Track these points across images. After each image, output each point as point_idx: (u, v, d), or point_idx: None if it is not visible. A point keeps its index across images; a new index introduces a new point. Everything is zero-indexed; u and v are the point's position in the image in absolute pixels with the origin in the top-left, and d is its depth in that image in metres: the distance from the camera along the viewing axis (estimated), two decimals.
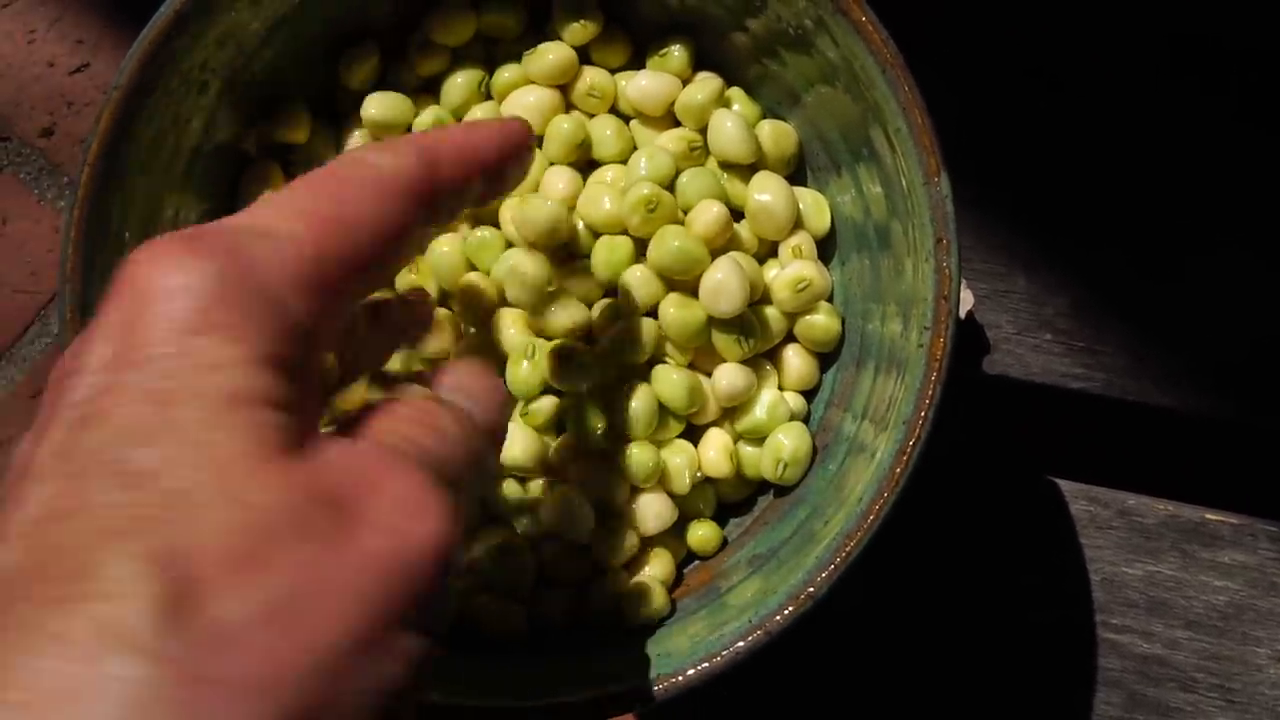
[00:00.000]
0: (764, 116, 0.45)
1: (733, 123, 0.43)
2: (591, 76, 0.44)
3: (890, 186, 0.40)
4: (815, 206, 0.44)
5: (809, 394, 0.45)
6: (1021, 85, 0.53)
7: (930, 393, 0.38)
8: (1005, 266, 0.52)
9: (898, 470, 0.38)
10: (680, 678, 0.38)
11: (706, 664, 0.38)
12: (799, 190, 0.44)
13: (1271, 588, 0.51)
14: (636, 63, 0.45)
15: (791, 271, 0.42)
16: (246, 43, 0.41)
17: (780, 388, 0.44)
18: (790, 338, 0.44)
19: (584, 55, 0.45)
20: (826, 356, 0.44)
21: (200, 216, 0.42)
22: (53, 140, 0.58)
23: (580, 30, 0.44)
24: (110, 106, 0.39)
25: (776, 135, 0.44)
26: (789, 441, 0.42)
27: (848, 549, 0.37)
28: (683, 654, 0.38)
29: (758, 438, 0.43)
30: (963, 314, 0.50)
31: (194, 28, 0.39)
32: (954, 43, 0.53)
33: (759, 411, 0.43)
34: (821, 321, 0.43)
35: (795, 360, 0.44)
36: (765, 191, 0.43)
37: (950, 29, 0.53)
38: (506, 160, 0.33)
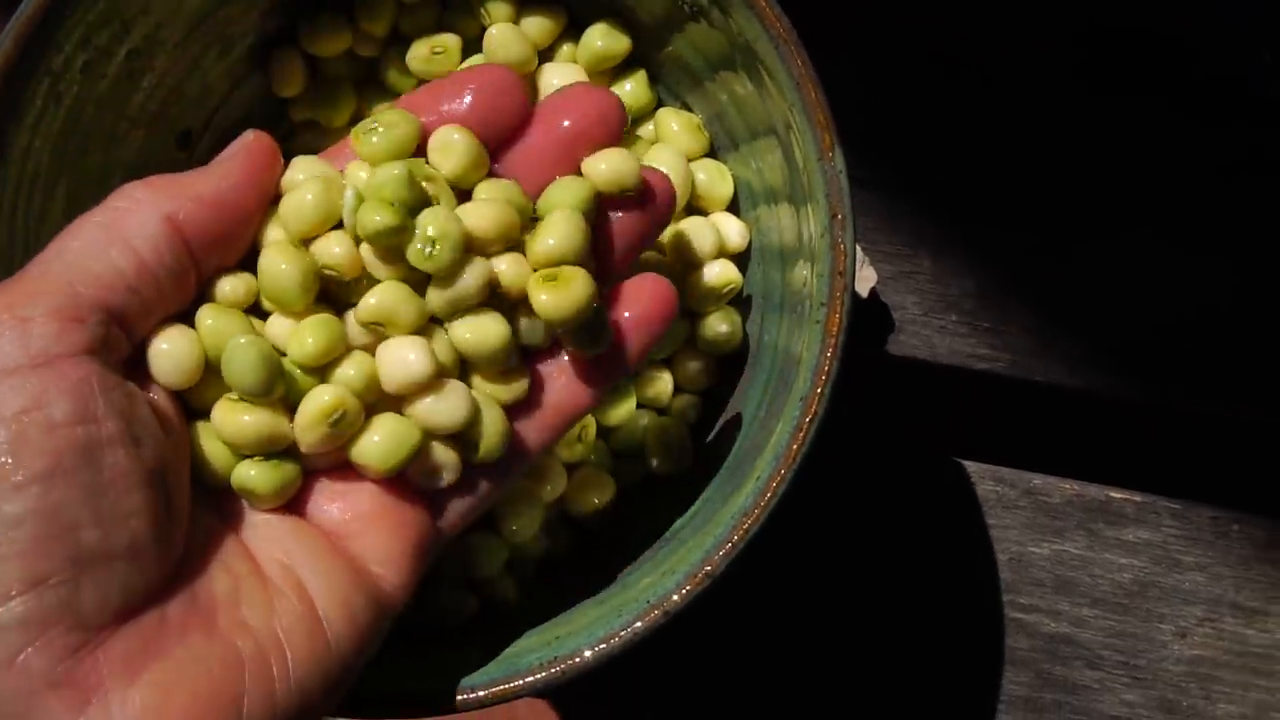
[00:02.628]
0: (664, 101, 0.45)
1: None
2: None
3: (789, 165, 0.40)
4: (717, 174, 0.44)
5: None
6: (926, 70, 0.53)
7: (826, 369, 0.37)
8: (911, 248, 0.52)
9: (794, 447, 0.37)
10: (578, 659, 0.37)
11: (604, 645, 0.37)
12: (698, 162, 0.44)
13: (1174, 564, 0.52)
14: None
15: (718, 273, 0.42)
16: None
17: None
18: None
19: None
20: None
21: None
22: None
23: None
24: None
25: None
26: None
27: (745, 526, 0.37)
28: (580, 636, 0.38)
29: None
30: (865, 292, 0.50)
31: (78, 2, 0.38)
32: (858, 28, 0.53)
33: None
34: (725, 331, 0.43)
35: (693, 365, 0.44)
36: (662, 165, 0.43)
37: (854, 15, 0.53)
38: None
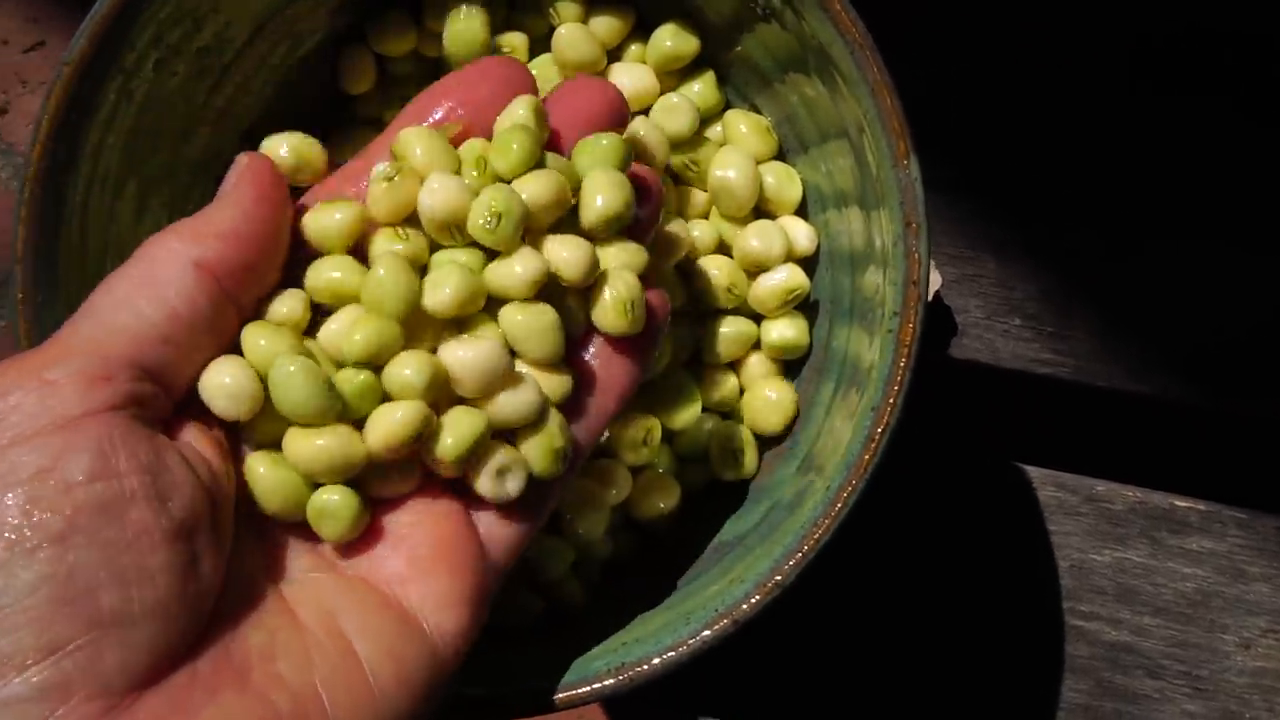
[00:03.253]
0: (732, 103, 0.45)
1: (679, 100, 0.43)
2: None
3: (860, 170, 0.40)
4: (785, 178, 0.43)
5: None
6: (992, 69, 0.53)
7: (899, 379, 0.37)
8: (975, 251, 0.52)
9: (866, 457, 0.37)
10: (646, 667, 0.37)
11: (673, 653, 0.37)
12: (766, 165, 0.43)
13: (1239, 574, 0.51)
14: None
15: (785, 277, 0.42)
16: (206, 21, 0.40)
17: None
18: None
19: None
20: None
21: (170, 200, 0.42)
22: (6, 119, 0.57)
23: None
24: (61, 82, 0.37)
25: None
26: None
27: (815, 536, 0.37)
28: (648, 643, 0.38)
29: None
30: (930, 296, 0.50)
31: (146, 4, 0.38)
32: (923, 25, 0.53)
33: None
34: (792, 336, 0.43)
35: (759, 370, 0.44)
36: (729, 168, 0.42)
37: (920, 12, 0.53)
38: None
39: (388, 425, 0.32)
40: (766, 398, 0.43)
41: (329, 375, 0.33)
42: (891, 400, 0.37)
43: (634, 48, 0.44)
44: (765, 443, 0.44)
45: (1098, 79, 0.53)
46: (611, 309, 0.35)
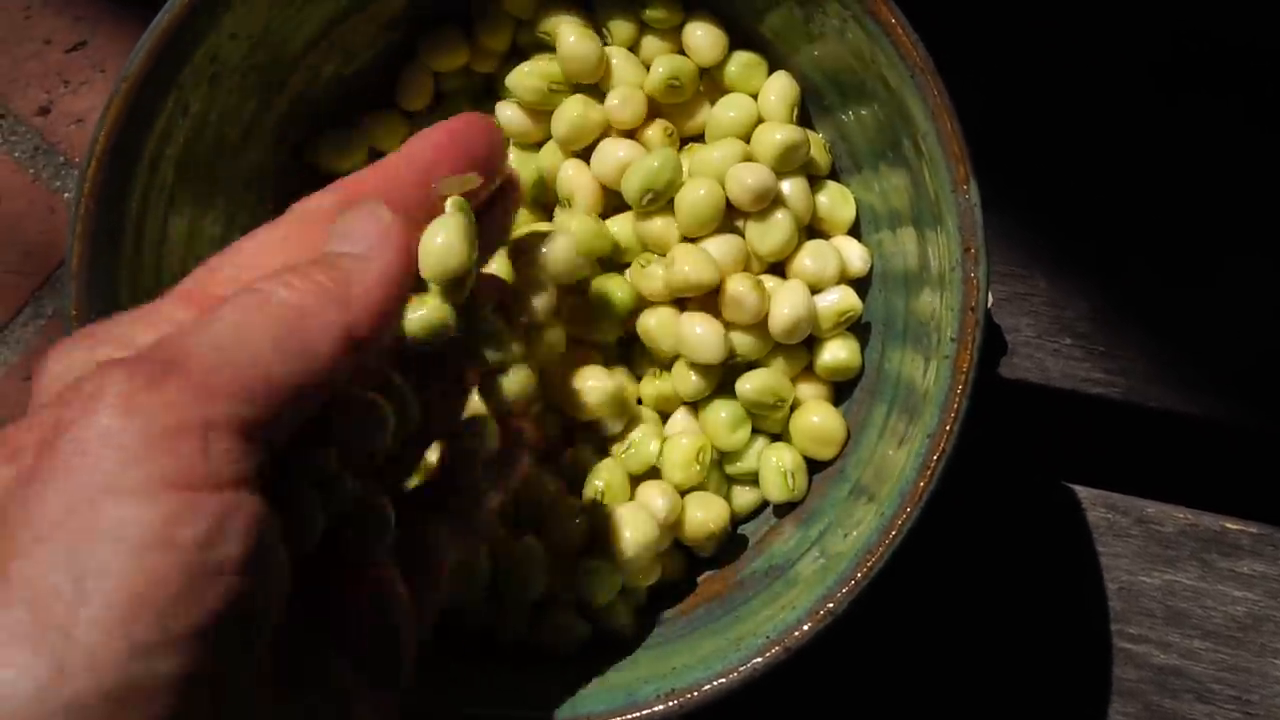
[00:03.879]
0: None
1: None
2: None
3: (917, 192, 0.39)
4: (839, 197, 0.43)
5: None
6: (1047, 85, 0.52)
7: (955, 406, 0.37)
8: (1026, 269, 0.51)
9: (921, 484, 0.37)
10: (696, 693, 0.37)
11: (723, 680, 0.37)
12: (819, 184, 0.43)
13: None
14: None
15: (838, 298, 0.42)
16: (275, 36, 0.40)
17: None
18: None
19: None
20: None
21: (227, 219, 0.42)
22: (49, 119, 0.56)
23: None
24: (120, 97, 0.37)
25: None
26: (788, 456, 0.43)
27: (869, 564, 0.37)
28: (698, 669, 0.38)
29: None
30: None
31: (207, 16, 0.38)
32: (979, 40, 0.52)
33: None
34: (844, 357, 0.43)
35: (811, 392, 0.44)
36: (782, 184, 0.42)
37: (976, 27, 0.52)
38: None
39: None
40: (815, 423, 0.43)
41: None
42: (948, 428, 0.37)
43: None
44: (815, 465, 0.43)
45: (1154, 96, 0.52)
46: None
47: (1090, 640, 0.51)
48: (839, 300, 0.42)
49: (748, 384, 0.42)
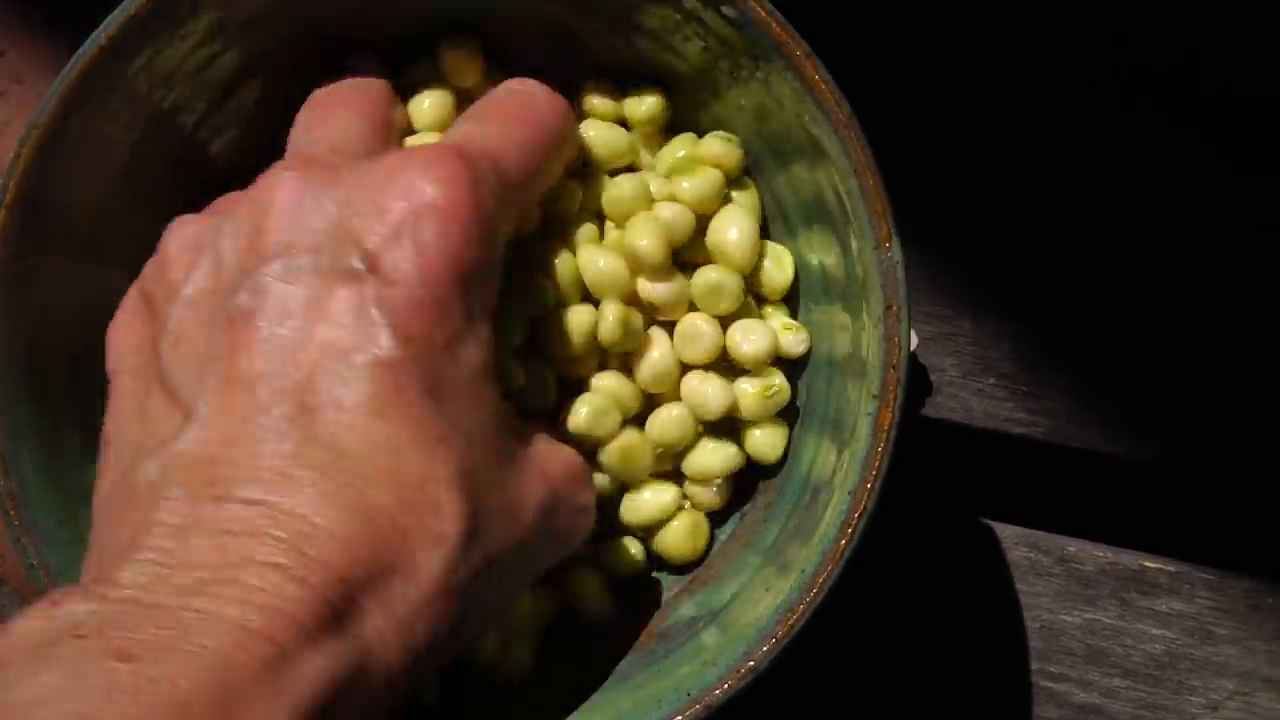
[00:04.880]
0: None
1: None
2: None
3: (841, 248, 0.39)
4: (777, 260, 0.42)
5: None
6: (968, 126, 0.52)
7: (877, 464, 0.37)
8: (952, 309, 0.52)
9: (842, 543, 0.37)
10: None
11: None
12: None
13: (1207, 636, 0.51)
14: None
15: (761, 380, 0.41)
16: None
17: None
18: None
19: None
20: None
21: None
22: None
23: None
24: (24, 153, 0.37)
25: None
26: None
27: (790, 622, 0.37)
28: None
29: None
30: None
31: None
32: (894, 73, 0.52)
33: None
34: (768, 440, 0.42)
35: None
36: (733, 227, 0.41)
37: (890, 60, 0.52)
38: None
39: None
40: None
41: None
42: (869, 485, 0.37)
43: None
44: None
45: (1078, 133, 0.52)
46: None
47: (1011, 679, 0.51)
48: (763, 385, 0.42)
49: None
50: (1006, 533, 0.52)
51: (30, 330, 0.38)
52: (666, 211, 0.40)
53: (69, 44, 0.37)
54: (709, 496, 0.42)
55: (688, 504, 0.42)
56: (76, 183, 0.38)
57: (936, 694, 0.51)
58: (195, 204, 0.37)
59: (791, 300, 0.43)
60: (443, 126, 0.40)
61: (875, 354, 0.37)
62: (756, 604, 0.38)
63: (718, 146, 0.41)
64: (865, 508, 0.37)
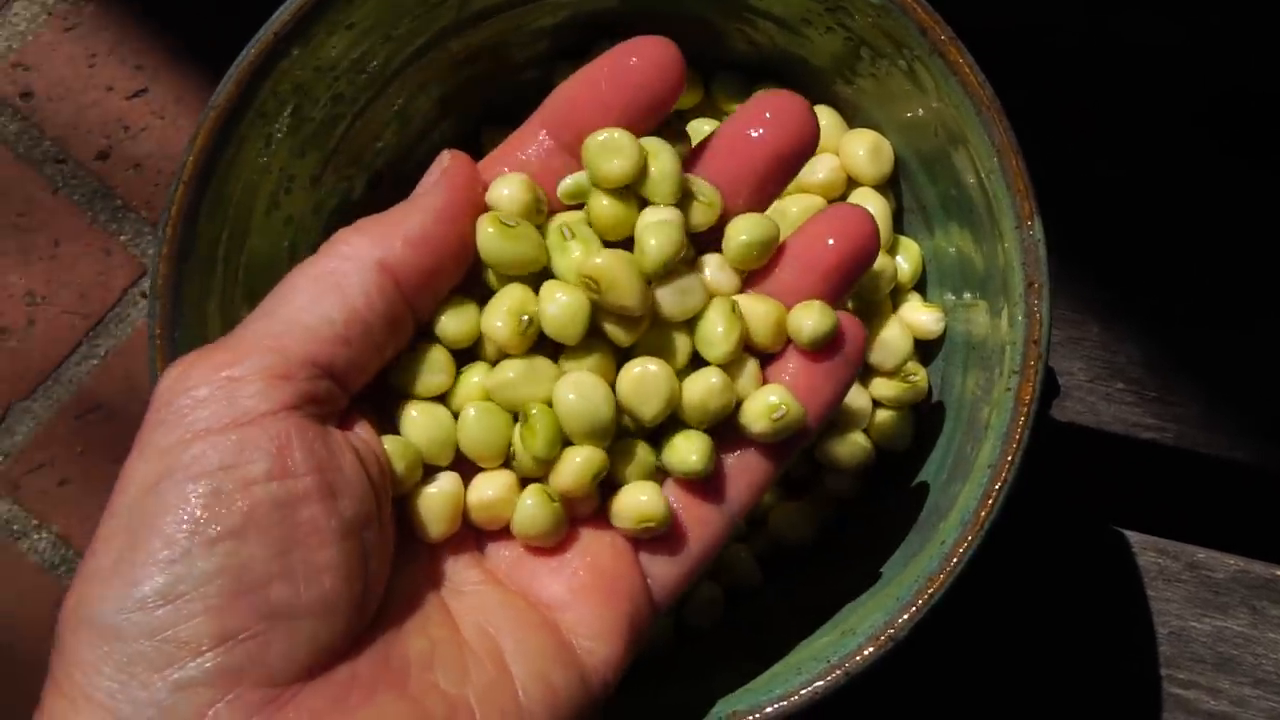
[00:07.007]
0: None
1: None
2: None
3: (979, 230, 0.40)
4: (906, 251, 0.43)
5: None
6: (1102, 132, 0.53)
7: (1018, 437, 0.37)
8: (1080, 313, 0.52)
9: (982, 514, 0.37)
10: (757, 716, 0.37)
11: (784, 703, 0.37)
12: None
13: None
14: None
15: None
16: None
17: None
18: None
19: None
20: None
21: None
22: (108, 164, 0.58)
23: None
24: (206, 124, 0.39)
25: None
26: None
27: (929, 591, 0.37)
28: (759, 692, 0.38)
29: None
30: None
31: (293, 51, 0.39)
32: (1036, 88, 0.53)
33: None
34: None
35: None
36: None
37: (1034, 75, 0.53)
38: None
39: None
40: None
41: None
42: (1010, 458, 0.37)
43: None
44: (876, 498, 0.44)
45: (1210, 148, 0.53)
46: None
47: (1140, 685, 0.51)
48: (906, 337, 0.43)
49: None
50: (1135, 539, 0.52)
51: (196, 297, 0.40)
52: None
53: (209, 80, 0.39)
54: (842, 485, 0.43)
55: None
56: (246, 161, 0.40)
57: (1064, 698, 0.50)
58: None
59: (921, 290, 0.44)
60: None
61: (1017, 332, 0.38)
62: (895, 577, 0.39)
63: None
64: (1006, 479, 0.37)
